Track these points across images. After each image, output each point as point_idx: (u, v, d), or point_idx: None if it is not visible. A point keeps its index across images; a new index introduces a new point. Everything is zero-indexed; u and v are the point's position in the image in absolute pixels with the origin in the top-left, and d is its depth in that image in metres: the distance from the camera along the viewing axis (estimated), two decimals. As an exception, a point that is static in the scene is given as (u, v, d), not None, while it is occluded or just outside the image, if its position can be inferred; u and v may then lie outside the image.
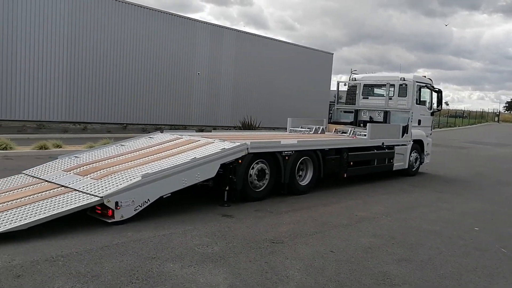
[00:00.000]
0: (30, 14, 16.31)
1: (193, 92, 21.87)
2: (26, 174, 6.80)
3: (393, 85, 12.00)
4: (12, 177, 6.78)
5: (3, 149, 11.00)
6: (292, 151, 8.05)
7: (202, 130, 19.10)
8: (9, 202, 5.48)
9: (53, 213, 5.09)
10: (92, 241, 4.91)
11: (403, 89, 11.89)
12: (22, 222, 4.90)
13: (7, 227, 4.82)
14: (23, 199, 5.58)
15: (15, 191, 5.98)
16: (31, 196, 5.65)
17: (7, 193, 5.91)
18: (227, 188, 6.98)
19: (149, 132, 12.48)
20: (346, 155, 9.45)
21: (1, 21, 15.65)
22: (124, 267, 4.28)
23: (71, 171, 6.53)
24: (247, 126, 19.97)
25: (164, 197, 6.04)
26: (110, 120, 18.80)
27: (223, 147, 7.04)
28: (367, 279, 4.43)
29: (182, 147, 7.53)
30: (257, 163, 7.48)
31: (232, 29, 24.03)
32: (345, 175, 9.51)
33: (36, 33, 16.48)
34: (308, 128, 11.73)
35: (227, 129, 20.61)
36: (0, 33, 15.63)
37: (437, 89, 12.56)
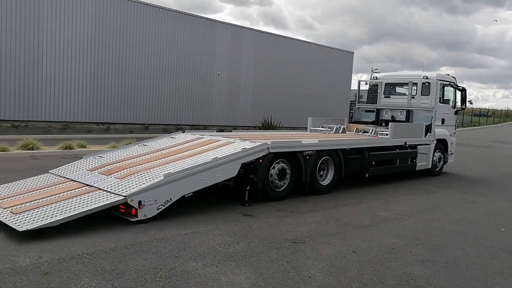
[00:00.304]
0: (55, 18, 16.72)
1: (213, 93, 22.01)
2: (53, 174, 6.97)
3: (415, 84, 11.81)
4: (40, 176, 6.96)
5: (30, 149, 11.30)
6: (313, 150, 8.01)
7: (222, 130, 19.19)
8: (39, 200, 5.63)
9: (81, 211, 5.22)
10: (116, 239, 5.00)
11: (426, 88, 11.68)
12: (53, 219, 5.03)
13: (39, 223, 4.96)
14: (51, 197, 5.72)
15: (43, 189, 6.14)
16: (59, 195, 5.80)
17: (36, 191, 6.08)
18: (248, 188, 7.00)
19: (170, 132, 12.62)
20: (368, 155, 9.34)
21: (27, 25, 16.09)
22: (148, 265, 4.34)
23: (96, 171, 6.66)
24: (267, 126, 19.97)
25: (186, 196, 6.10)
26: (132, 121, 19.10)
27: (244, 147, 7.06)
28: (391, 280, 4.38)
29: (204, 147, 7.58)
30: (278, 163, 7.47)
31: (252, 29, 24.07)
32: (366, 175, 9.41)
33: (60, 36, 16.87)
34: (329, 128, 11.66)
35: (247, 129, 20.66)
36: (27, 37, 16.08)
37: (461, 88, 12.29)
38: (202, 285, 3.96)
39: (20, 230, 4.84)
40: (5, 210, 5.40)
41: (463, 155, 16.73)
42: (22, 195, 5.96)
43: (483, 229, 6.55)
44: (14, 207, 5.44)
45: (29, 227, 4.88)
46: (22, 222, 4.99)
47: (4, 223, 5.10)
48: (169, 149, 7.73)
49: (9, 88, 15.91)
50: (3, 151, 10.73)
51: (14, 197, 5.89)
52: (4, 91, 15.82)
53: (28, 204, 5.55)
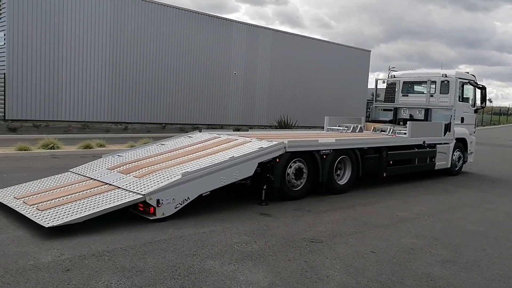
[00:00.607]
0: (74, 21, 17.02)
1: (230, 92, 22.08)
2: (73, 172, 7.11)
3: (434, 82, 11.64)
4: (61, 174, 7.10)
5: (50, 148, 11.53)
6: (330, 150, 7.97)
7: (238, 130, 19.23)
8: (62, 198, 5.77)
9: (103, 209, 5.32)
10: (135, 238, 5.07)
11: (445, 86, 11.50)
12: (78, 216, 5.14)
13: (64, 220, 5.07)
14: (73, 195, 5.84)
15: (65, 188, 6.27)
16: (80, 193, 5.91)
17: (58, 189, 6.21)
18: (265, 187, 7.00)
19: (186, 132, 12.72)
20: (386, 154, 9.25)
21: (48, 28, 16.43)
22: (166, 263, 4.39)
23: (115, 170, 6.76)
24: (283, 125, 19.93)
25: (203, 195, 6.14)
26: (149, 120, 19.32)
27: (260, 146, 7.07)
28: (410, 280, 4.33)
29: (220, 146, 7.62)
30: (294, 162, 7.46)
31: (268, 28, 24.06)
32: (384, 175, 9.32)
33: (80, 39, 17.18)
34: (346, 127, 11.58)
35: (263, 129, 20.65)
36: (47, 39, 16.41)
37: (480, 86, 12.04)
38: (220, 284, 3.99)
39: (47, 226, 4.94)
40: (31, 207, 5.53)
41: (483, 155, 16.41)
42: (46, 193, 6.09)
43: (504, 229, 6.43)
44: (40, 204, 5.57)
45: (55, 223, 4.99)
46: (48, 219, 5.10)
47: (31, 219, 5.23)
48: (186, 148, 7.79)
49: (31, 89, 16.27)
50: (25, 150, 10.98)
51: (38, 195, 6.03)
52: (26, 92, 16.18)
53: (53, 201, 5.67)
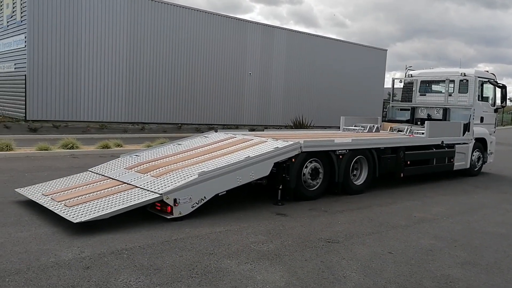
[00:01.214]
0: (93, 24, 17.31)
1: (245, 92, 22.14)
2: (92, 172, 7.23)
3: (453, 81, 11.46)
4: (80, 174, 7.23)
5: (70, 148, 11.73)
6: (346, 150, 7.92)
7: (253, 130, 19.25)
8: (87, 195, 5.93)
9: (123, 207, 5.42)
10: (153, 236, 5.13)
11: (463, 85, 11.31)
12: (104, 212, 5.27)
13: (91, 216, 5.21)
14: (93, 193, 5.96)
15: (85, 186, 6.39)
16: (99, 192, 6.02)
17: (79, 188, 6.35)
18: (280, 187, 7.00)
19: (202, 132, 12.80)
20: (403, 154, 9.14)
21: (67, 30, 16.74)
22: (183, 261, 4.43)
23: (132, 169, 6.85)
24: (298, 125, 19.89)
25: (219, 195, 6.17)
26: (166, 121, 19.52)
27: (276, 146, 7.07)
28: (429, 282, 4.28)
29: (236, 146, 7.64)
30: (310, 162, 7.44)
31: (283, 28, 24.06)
32: (402, 175, 9.20)
33: (98, 41, 17.47)
34: (362, 127, 11.49)
35: (278, 129, 20.65)
36: (67, 41, 16.74)
37: (500, 84, 11.80)
38: (237, 283, 4.01)
39: (75, 221, 5.08)
40: (59, 203, 5.70)
41: (503, 155, 16.08)
42: (71, 190, 6.26)
43: (526, 232, 6.28)
44: (67, 201, 5.72)
45: (83, 219, 5.12)
46: (76, 215, 5.24)
47: (56, 216, 5.39)
48: (203, 148, 7.84)
49: (51, 91, 16.60)
50: (45, 150, 11.19)
51: (64, 192, 6.20)
52: (46, 93, 16.51)
53: (79, 198, 5.83)
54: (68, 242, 4.80)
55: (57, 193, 6.17)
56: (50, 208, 5.60)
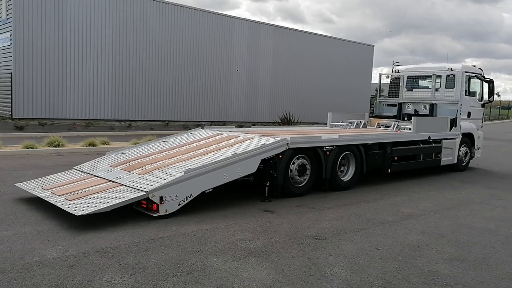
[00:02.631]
0: (78, 21, 17.05)
1: (232, 89, 22.05)
2: (77, 170, 7.11)
3: (439, 76, 11.51)
4: (65, 172, 7.11)
5: (55, 146, 11.57)
6: (333, 146, 7.91)
7: (241, 126, 19.21)
8: (80, 191, 5.91)
9: (109, 205, 5.35)
10: (138, 234, 5.05)
11: (450, 80, 11.37)
12: (104, 206, 5.29)
13: (93, 209, 5.22)
14: (77, 192, 5.87)
15: (69, 185, 6.27)
16: (84, 190, 5.93)
17: (63, 186, 6.24)
18: (268, 184, 6.96)
19: (190, 129, 12.70)
20: (390, 150, 9.17)
21: (53, 28, 16.47)
22: (169, 260, 4.37)
23: (118, 167, 6.75)
24: (286, 122, 19.87)
25: (206, 192, 6.11)
26: (153, 118, 19.35)
27: (263, 143, 7.03)
28: (416, 278, 4.27)
29: (223, 143, 7.58)
30: (297, 159, 7.41)
31: (269, 24, 23.96)
32: (389, 171, 9.24)
33: (84, 38, 17.22)
34: (349, 123, 11.50)
35: (266, 125, 20.61)
36: (52, 39, 16.48)
37: (488, 79, 11.89)
38: (223, 281, 3.96)
39: (78, 214, 5.11)
40: (60, 197, 5.73)
41: (491, 150, 16.28)
42: (64, 186, 6.23)
43: (513, 226, 6.31)
44: (68, 194, 5.76)
45: (85, 212, 5.13)
46: (78, 208, 5.26)
47: (62, 208, 5.41)
48: (189, 145, 7.76)
49: (37, 89, 16.35)
50: (31, 148, 11.02)
51: (64, 186, 6.23)
52: (32, 91, 16.24)
53: (79, 191, 5.84)
54: (52, 241, 4.73)
55: (57, 187, 6.22)
56: (51, 202, 5.64)
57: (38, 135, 13.69)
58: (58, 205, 5.48)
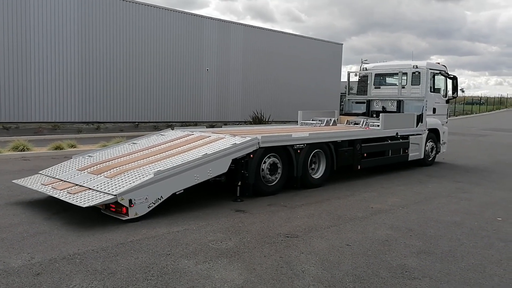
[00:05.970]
0: (41, 20, 16.48)
1: (203, 89, 21.87)
2: (43, 174, 6.88)
3: (405, 74, 11.80)
4: (30, 177, 6.88)
5: (21, 150, 11.17)
6: (303, 144, 7.98)
7: (213, 126, 19.07)
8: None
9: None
10: (107, 239, 4.94)
11: (416, 77, 11.67)
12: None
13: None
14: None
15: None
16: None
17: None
18: (239, 183, 6.95)
19: (160, 130, 12.51)
20: (360, 147, 9.33)
21: (14, 28, 15.86)
22: (139, 264, 4.29)
23: (85, 170, 6.57)
24: (257, 121, 19.90)
25: (177, 193, 6.05)
26: (122, 119, 18.94)
27: (234, 142, 7.00)
28: (385, 272, 4.36)
29: (193, 143, 7.51)
30: (269, 157, 7.43)
31: (239, 24, 23.91)
32: (359, 167, 9.39)
33: (48, 38, 16.65)
34: (319, 121, 11.62)
35: (237, 124, 20.54)
36: (14, 39, 15.86)
37: (451, 76, 12.28)
38: (194, 283, 3.92)
39: (84, 206, 5.28)
40: (62, 191, 5.87)
41: (456, 144, 16.80)
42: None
43: (479, 219, 6.52)
44: (69, 189, 5.91)
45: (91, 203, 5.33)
46: (83, 200, 5.43)
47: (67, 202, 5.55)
48: (159, 146, 7.65)
49: (-2, 91, 15.69)
50: (-8, 153, 10.59)
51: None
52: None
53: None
54: (17, 249, 4.58)
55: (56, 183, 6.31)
56: (55, 196, 5.78)
57: (2, 140, 13.23)
58: (62, 198, 5.62)
